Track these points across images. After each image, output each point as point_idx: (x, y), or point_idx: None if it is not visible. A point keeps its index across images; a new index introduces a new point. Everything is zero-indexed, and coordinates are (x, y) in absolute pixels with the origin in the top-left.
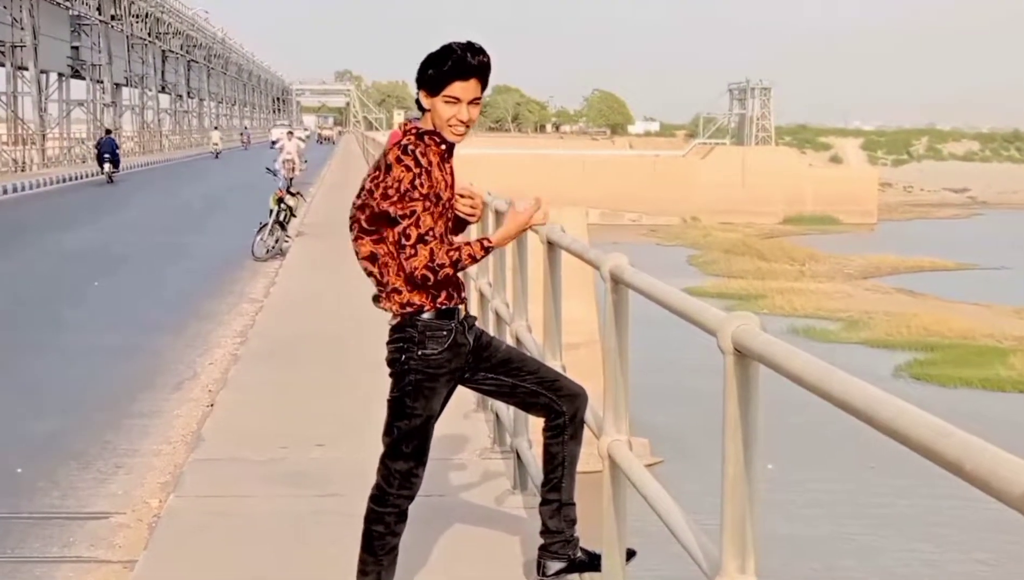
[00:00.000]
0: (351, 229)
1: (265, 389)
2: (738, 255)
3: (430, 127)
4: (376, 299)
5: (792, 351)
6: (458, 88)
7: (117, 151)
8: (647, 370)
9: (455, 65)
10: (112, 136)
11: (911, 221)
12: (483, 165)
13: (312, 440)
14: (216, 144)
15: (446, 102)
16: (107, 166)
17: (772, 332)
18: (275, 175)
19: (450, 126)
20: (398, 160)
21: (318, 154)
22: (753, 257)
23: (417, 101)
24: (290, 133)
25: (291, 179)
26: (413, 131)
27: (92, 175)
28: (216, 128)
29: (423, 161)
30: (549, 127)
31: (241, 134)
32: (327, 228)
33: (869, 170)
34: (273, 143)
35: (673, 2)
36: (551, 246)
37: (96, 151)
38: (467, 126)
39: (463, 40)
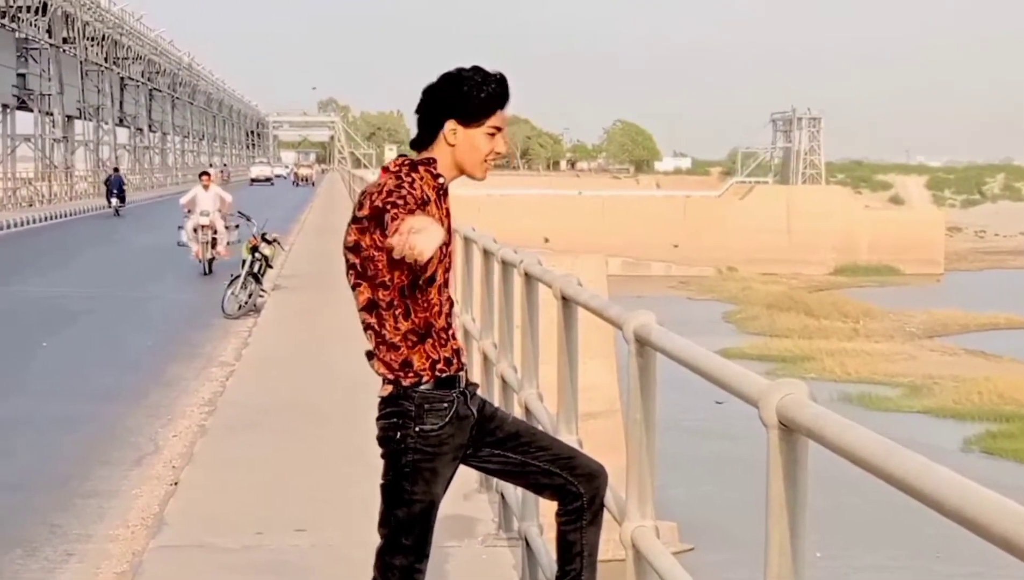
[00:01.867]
0: (348, 276)
1: (237, 466)
2: (782, 311)
3: (441, 164)
4: (370, 356)
5: (846, 425)
6: (500, 118)
7: (124, 188)
8: (674, 438)
9: (501, 91)
10: (120, 174)
11: (983, 271)
12: (487, 207)
13: (291, 524)
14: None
15: (488, 134)
16: (114, 201)
17: (821, 400)
18: (183, 245)
19: (485, 162)
20: (385, 170)
21: (291, 198)
22: (799, 313)
23: (420, 136)
24: (206, 174)
25: (211, 260)
26: (406, 162)
27: (42, 220)
28: (212, 165)
29: (416, 188)
30: (564, 163)
31: (220, 171)
32: (308, 280)
33: (935, 212)
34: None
35: (707, 21)
36: (566, 302)
37: (105, 187)
38: (497, 157)
39: (471, 65)
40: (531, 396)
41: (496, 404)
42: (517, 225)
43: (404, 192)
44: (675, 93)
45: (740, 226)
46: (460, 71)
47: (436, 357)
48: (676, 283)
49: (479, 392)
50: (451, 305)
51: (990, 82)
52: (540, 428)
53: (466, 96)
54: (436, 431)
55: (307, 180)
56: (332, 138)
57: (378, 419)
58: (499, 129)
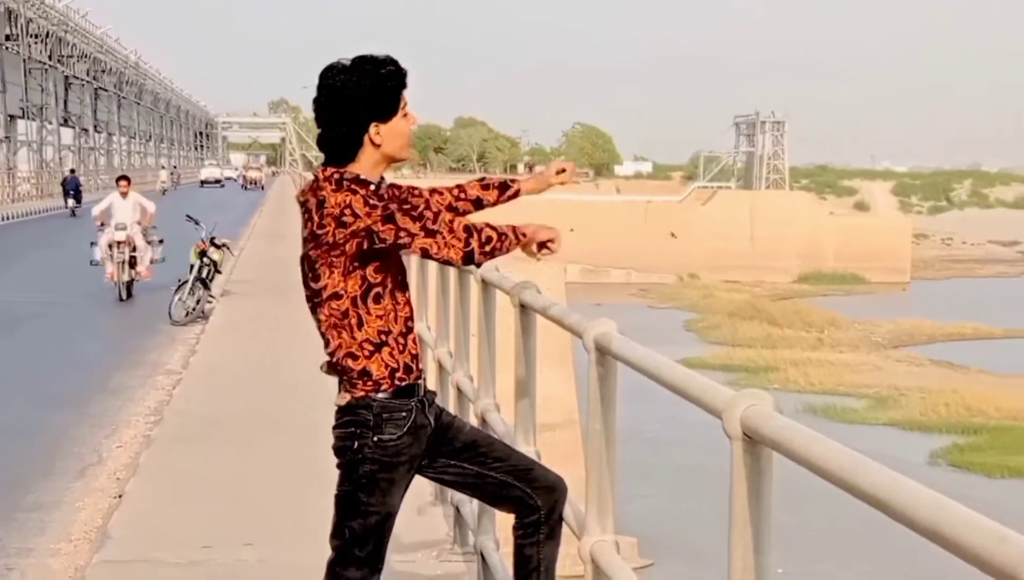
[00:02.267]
0: (304, 288)
1: (183, 477)
2: (745, 319)
3: (364, 172)
4: (327, 367)
5: (813, 437)
6: (406, 96)
7: (80, 189)
8: (635, 449)
9: (399, 70)
10: (76, 176)
11: (951, 280)
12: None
13: (240, 538)
14: (164, 182)
15: (404, 116)
16: (71, 202)
17: (785, 412)
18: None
19: (409, 140)
20: (336, 189)
21: (241, 202)
22: (763, 322)
23: (339, 150)
24: (124, 180)
25: (130, 283)
26: (346, 176)
27: None
28: (164, 168)
29: (373, 200)
30: (521, 167)
31: (171, 173)
32: (258, 286)
33: (901, 219)
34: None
35: (668, 22)
36: (524, 310)
37: (62, 188)
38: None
39: (352, 59)
40: (487, 406)
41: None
42: None
43: (404, 204)
44: (636, 96)
45: (702, 232)
46: (354, 68)
47: (395, 365)
48: (636, 291)
49: (436, 401)
50: (410, 310)
51: (958, 86)
52: (497, 439)
53: (380, 94)
54: (394, 441)
55: (256, 183)
56: (283, 140)
57: (334, 428)
58: (407, 105)
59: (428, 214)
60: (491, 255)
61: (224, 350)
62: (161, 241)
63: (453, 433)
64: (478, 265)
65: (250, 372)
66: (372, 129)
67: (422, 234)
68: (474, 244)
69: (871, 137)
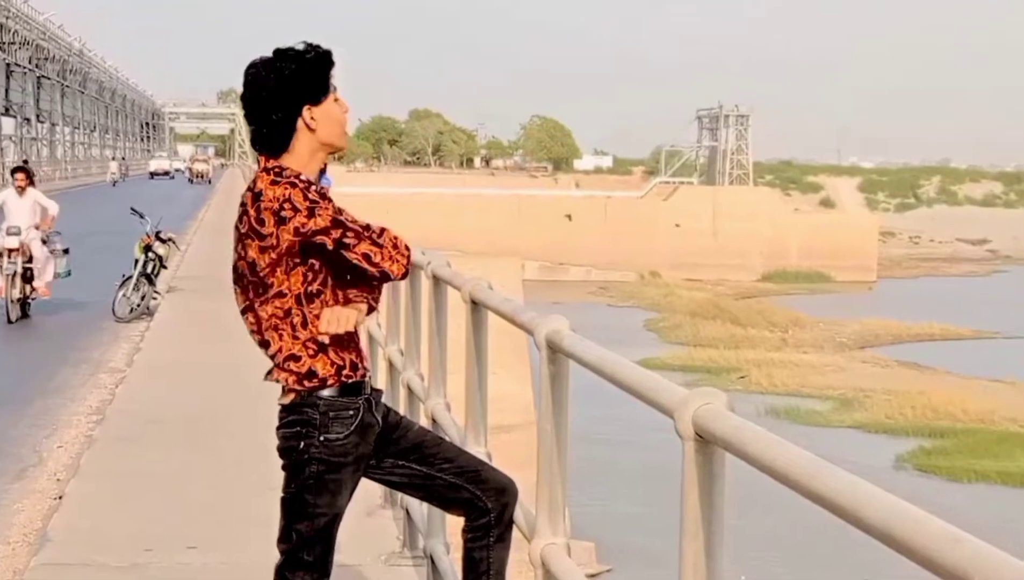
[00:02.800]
0: (236, 287)
1: (126, 478)
2: (707, 319)
3: (301, 163)
4: (269, 374)
5: (766, 437)
6: (333, 78)
7: (33, 178)
8: (596, 451)
9: (326, 54)
10: (28, 166)
11: (918, 279)
12: (397, 208)
13: (183, 541)
14: (114, 173)
15: (336, 100)
16: None
17: (745, 414)
18: None
19: (343, 127)
20: (274, 183)
21: (188, 195)
22: (725, 321)
23: (272, 137)
24: (22, 172)
25: (24, 301)
26: (274, 168)
27: None
28: (114, 159)
29: (311, 195)
30: (478, 161)
31: (120, 165)
32: (205, 282)
33: (868, 216)
34: None
35: (630, 15)
36: (475, 306)
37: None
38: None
39: (274, 51)
40: (438, 406)
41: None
42: (427, 226)
43: (346, 215)
44: (596, 88)
45: (664, 229)
46: (276, 58)
47: (341, 362)
48: (595, 289)
49: (383, 400)
50: (348, 305)
51: (926, 79)
52: (447, 439)
53: (307, 75)
54: (341, 440)
55: (203, 176)
56: (232, 131)
57: (279, 428)
58: (336, 89)
59: (370, 228)
60: None
61: (169, 348)
62: (66, 251)
63: (400, 433)
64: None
65: (196, 371)
66: (305, 113)
67: (367, 241)
68: (410, 264)
69: (837, 132)
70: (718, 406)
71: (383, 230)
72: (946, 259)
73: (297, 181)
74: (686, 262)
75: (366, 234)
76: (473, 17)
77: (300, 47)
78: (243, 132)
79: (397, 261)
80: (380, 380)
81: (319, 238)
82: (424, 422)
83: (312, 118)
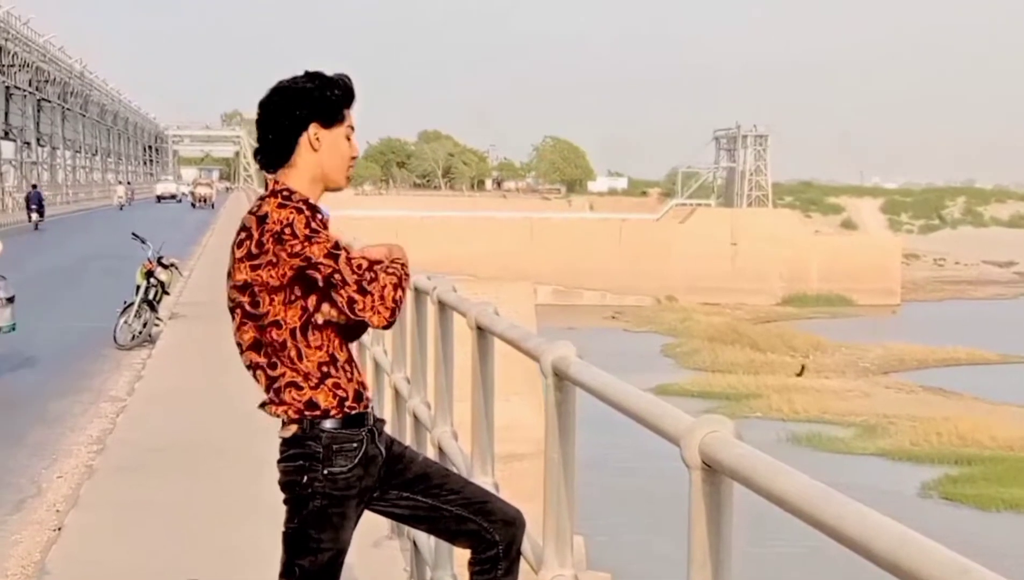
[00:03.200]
0: (232, 316)
1: (126, 509)
2: (725, 344)
3: (300, 186)
4: (264, 405)
5: (775, 467)
6: (352, 118)
7: (43, 202)
8: (616, 480)
9: (349, 87)
10: (39, 189)
11: (943, 302)
12: (406, 231)
13: (184, 572)
14: (121, 197)
15: (347, 137)
16: (34, 216)
17: (765, 441)
18: None
19: (348, 166)
20: (281, 206)
21: (192, 220)
22: (744, 346)
23: (274, 150)
24: None
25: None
26: (283, 192)
27: None
28: (120, 183)
29: (313, 223)
30: (489, 183)
31: (127, 189)
32: (208, 309)
33: (891, 238)
34: None
35: (644, 30)
36: (481, 332)
37: (25, 203)
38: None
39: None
40: (444, 435)
41: (408, 444)
42: (437, 251)
43: (344, 250)
44: (611, 108)
45: (680, 252)
46: (305, 76)
47: (344, 394)
48: (610, 313)
49: (388, 430)
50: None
51: (951, 99)
52: (454, 469)
53: (323, 94)
54: (345, 474)
55: (206, 200)
56: (237, 154)
57: (280, 462)
58: (352, 130)
59: (366, 271)
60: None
61: (171, 376)
62: (11, 300)
63: (404, 464)
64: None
65: (198, 400)
66: (312, 129)
67: (354, 286)
68: (396, 316)
69: (859, 152)
70: (725, 434)
71: (375, 277)
72: (972, 282)
73: (304, 207)
74: (703, 286)
75: (356, 276)
76: (484, 37)
77: (334, 74)
78: (248, 155)
79: (379, 313)
80: (386, 408)
81: (310, 271)
82: (430, 451)
83: (317, 138)
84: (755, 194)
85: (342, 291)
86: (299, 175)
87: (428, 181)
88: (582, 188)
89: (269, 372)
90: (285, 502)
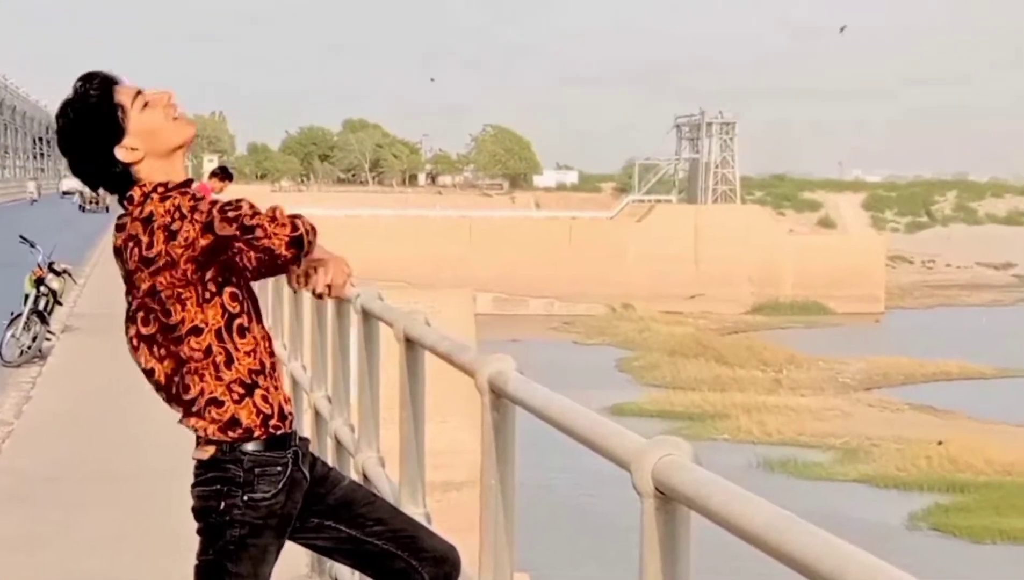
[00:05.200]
0: (134, 344)
1: (14, 545)
2: (688, 357)
3: (167, 179)
4: (184, 416)
5: (734, 493)
6: (125, 91)
7: None
8: (566, 507)
9: (106, 82)
10: None
11: (933, 309)
12: (329, 232)
13: None
14: (32, 193)
15: (141, 110)
16: None
17: (733, 467)
18: None
19: (175, 120)
20: (162, 199)
21: (87, 220)
22: (709, 360)
23: (117, 188)
24: None
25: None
26: (158, 187)
27: None
28: (33, 179)
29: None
30: (423, 178)
31: (37, 184)
32: (105, 320)
33: (873, 238)
34: None
35: (596, 7)
36: (410, 345)
37: None
38: (171, 101)
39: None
40: (370, 460)
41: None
42: (365, 254)
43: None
44: (559, 92)
45: (638, 254)
46: (62, 111)
47: (268, 410)
48: (559, 323)
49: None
50: (271, 345)
51: (939, 81)
52: (380, 497)
53: (94, 123)
54: (268, 500)
55: (98, 202)
56: None
57: (195, 486)
58: (139, 91)
59: (245, 211)
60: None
61: (65, 396)
62: None
63: (328, 487)
64: (306, 254)
65: (94, 422)
66: (120, 154)
67: (239, 233)
68: (302, 227)
69: (838, 141)
70: (681, 457)
71: (256, 211)
72: (965, 286)
73: (186, 189)
74: (664, 292)
75: (235, 226)
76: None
77: (71, 94)
78: None
79: (277, 234)
80: (305, 431)
81: (219, 228)
82: (354, 478)
83: (131, 150)
84: (721, 189)
85: (233, 223)
86: (149, 169)
87: (354, 176)
88: (527, 183)
89: (191, 386)
90: (199, 531)
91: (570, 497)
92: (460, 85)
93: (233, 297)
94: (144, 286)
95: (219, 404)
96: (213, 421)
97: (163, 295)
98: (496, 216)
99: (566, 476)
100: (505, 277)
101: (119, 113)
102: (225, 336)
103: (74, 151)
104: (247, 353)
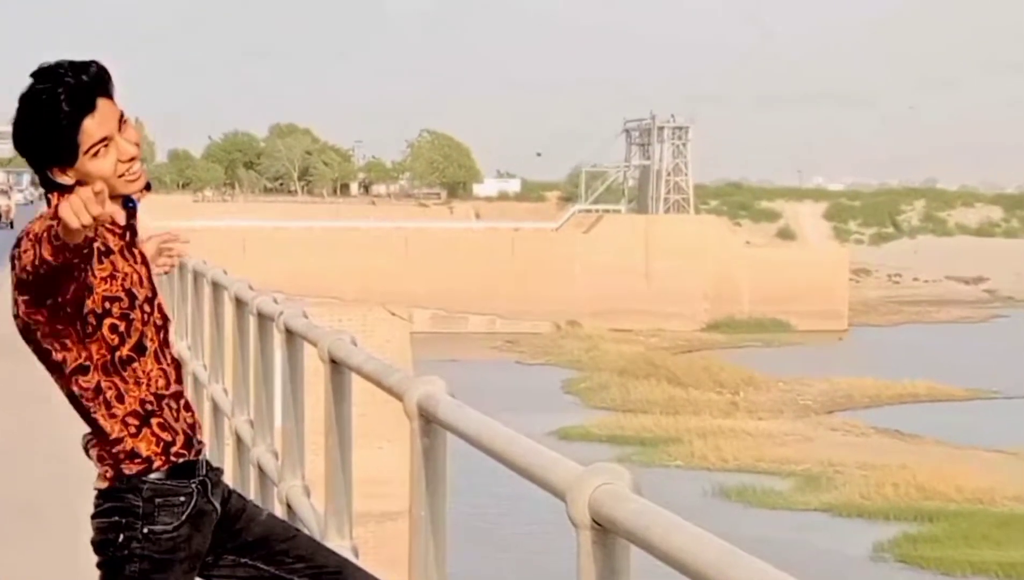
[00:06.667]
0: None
1: None
2: (639, 378)
3: None
4: (87, 447)
5: (674, 524)
6: (93, 128)
7: None
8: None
9: (73, 102)
10: None
11: (899, 327)
12: (255, 245)
13: None
14: None
15: (95, 156)
16: None
17: (685, 496)
18: None
19: (121, 177)
20: (35, 242)
21: None
22: (662, 381)
23: (44, 180)
24: None
25: None
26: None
27: None
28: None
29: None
30: (355, 187)
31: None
32: (10, 340)
33: (836, 250)
34: None
35: (539, 6)
36: (335, 366)
37: None
38: (137, 158)
39: (36, 69)
40: (294, 490)
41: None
42: (291, 267)
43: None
44: (501, 96)
45: (585, 268)
46: (23, 101)
47: (169, 438)
48: (502, 342)
49: (229, 484)
50: (177, 368)
51: (907, 81)
52: (302, 532)
53: (34, 144)
54: (170, 533)
55: (2, 217)
56: None
57: (94, 517)
58: (106, 138)
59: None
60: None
61: None
62: None
63: (244, 523)
64: (71, 239)
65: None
66: (58, 176)
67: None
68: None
69: (798, 147)
70: (620, 486)
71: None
72: (933, 302)
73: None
74: (612, 309)
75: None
76: (350, 13)
77: (47, 79)
78: None
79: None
80: (226, 458)
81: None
82: (278, 510)
83: (67, 177)
84: (674, 198)
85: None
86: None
87: (282, 185)
88: (466, 192)
89: (89, 425)
90: (98, 565)
91: (508, 528)
92: (396, 88)
93: (112, 329)
94: (19, 319)
95: (117, 441)
96: (111, 455)
97: (39, 334)
98: (434, 227)
99: (505, 505)
100: (443, 293)
101: (77, 140)
102: (111, 371)
103: (20, 143)
104: (136, 384)
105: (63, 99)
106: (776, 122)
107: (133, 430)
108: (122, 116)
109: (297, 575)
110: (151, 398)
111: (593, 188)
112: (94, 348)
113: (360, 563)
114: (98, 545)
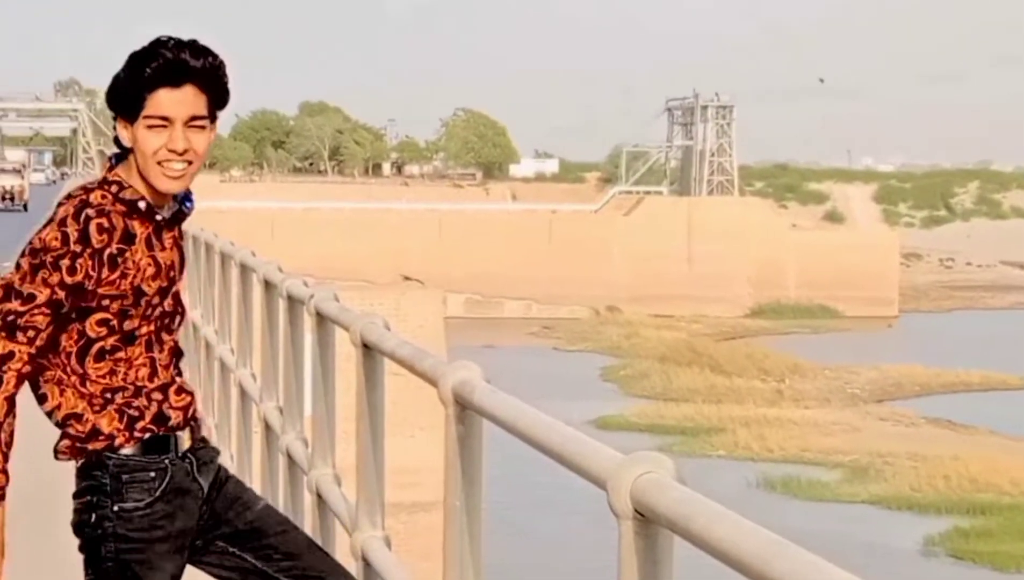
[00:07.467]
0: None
1: None
2: (681, 365)
3: (132, 185)
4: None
5: (719, 514)
6: (165, 101)
7: None
8: (544, 529)
9: (161, 67)
10: None
11: (951, 313)
12: (283, 227)
13: None
14: None
15: (149, 127)
16: None
17: (729, 487)
18: None
19: (160, 164)
20: (62, 223)
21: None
22: (704, 368)
23: (115, 139)
24: None
25: None
26: (93, 186)
27: None
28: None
29: (95, 239)
30: (387, 167)
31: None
32: None
33: (886, 234)
34: None
35: None
36: (367, 351)
37: None
38: (189, 162)
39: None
40: (324, 478)
41: (281, 490)
42: (320, 251)
43: (58, 255)
44: (538, 73)
45: (625, 252)
46: (145, 47)
47: (135, 413)
48: (538, 328)
49: (257, 473)
50: (173, 356)
51: (959, 59)
52: (297, 528)
53: (115, 80)
54: (141, 510)
55: (14, 198)
56: (75, 132)
57: (74, 497)
58: (166, 119)
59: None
60: None
61: None
62: None
63: (237, 510)
64: None
65: None
66: (119, 124)
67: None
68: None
69: (847, 127)
70: (662, 475)
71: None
72: (987, 287)
73: (88, 201)
74: (653, 294)
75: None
76: None
77: (159, 40)
78: (88, 133)
79: None
80: (254, 446)
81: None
82: (308, 499)
83: (125, 131)
84: (717, 179)
85: None
86: (130, 168)
87: (311, 164)
88: (503, 173)
89: (50, 397)
90: (80, 549)
91: (547, 517)
92: (430, 65)
93: (102, 323)
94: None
95: (78, 418)
96: (73, 436)
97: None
98: (469, 209)
99: (545, 494)
100: (478, 277)
101: (144, 101)
102: (76, 360)
103: (110, 84)
104: (100, 377)
105: (157, 62)
106: (826, 100)
107: (97, 407)
108: (203, 118)
109: (282, 574)
110: (114, 387)
111: (634, 169)
112: (66, 336)
113: (391, 554)
114: (76, 527)
